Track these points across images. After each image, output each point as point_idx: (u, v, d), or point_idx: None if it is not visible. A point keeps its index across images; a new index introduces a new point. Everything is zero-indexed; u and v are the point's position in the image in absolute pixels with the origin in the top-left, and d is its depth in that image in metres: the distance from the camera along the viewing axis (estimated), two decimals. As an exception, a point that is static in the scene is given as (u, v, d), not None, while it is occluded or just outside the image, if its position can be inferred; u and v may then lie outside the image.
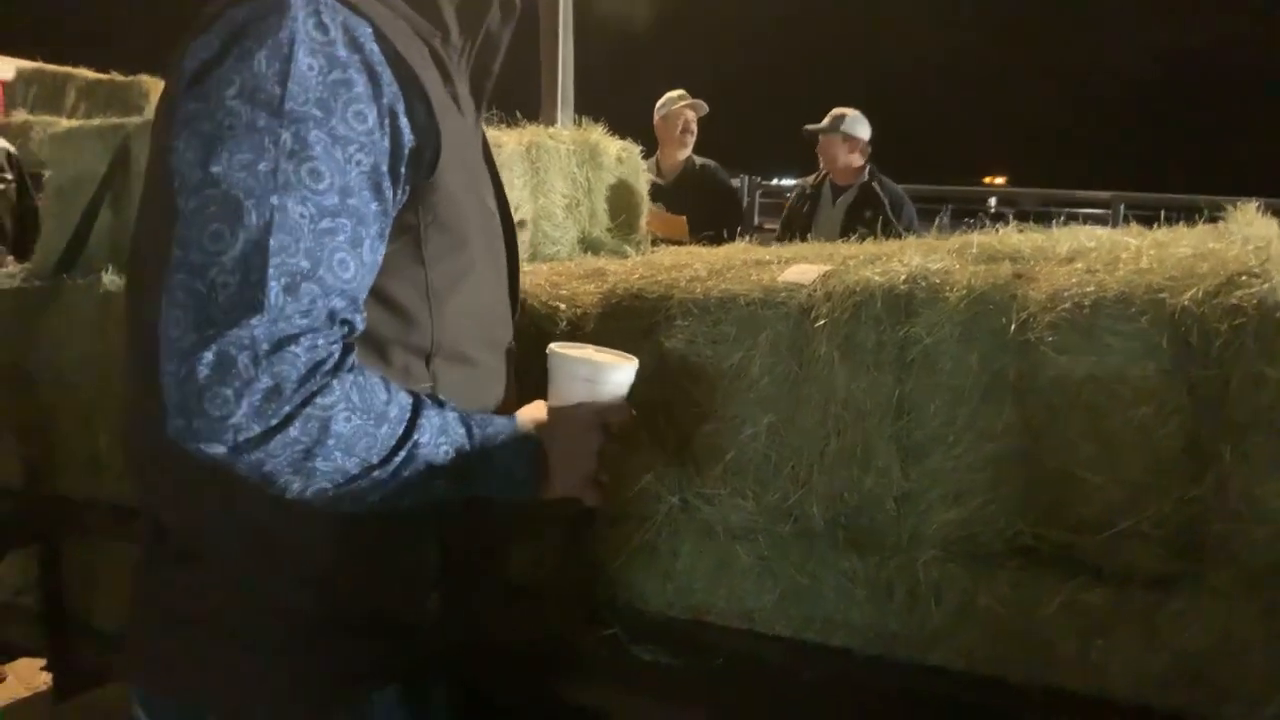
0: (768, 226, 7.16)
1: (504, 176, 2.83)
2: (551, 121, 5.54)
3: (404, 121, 1.05)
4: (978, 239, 1.73)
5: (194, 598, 1.13)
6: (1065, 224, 1.86)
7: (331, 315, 0.99)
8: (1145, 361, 1.33)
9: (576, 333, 1.74)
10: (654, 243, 3.38)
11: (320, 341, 0.97)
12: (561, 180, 3.10)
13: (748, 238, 2.51)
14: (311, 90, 0.98)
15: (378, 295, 1.07)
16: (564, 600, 1.72)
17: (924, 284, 1.50)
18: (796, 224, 4.63)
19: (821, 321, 1.53)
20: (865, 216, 4.43)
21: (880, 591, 1.53)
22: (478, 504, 1.17)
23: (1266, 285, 1.26)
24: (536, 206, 3.01)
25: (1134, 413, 1.34)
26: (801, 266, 1.66)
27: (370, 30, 1.04)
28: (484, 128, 1.36)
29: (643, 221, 3.42)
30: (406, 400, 1.05)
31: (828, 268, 1.63)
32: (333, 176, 0.98)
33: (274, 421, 0.95)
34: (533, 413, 1.23)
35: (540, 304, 1.77)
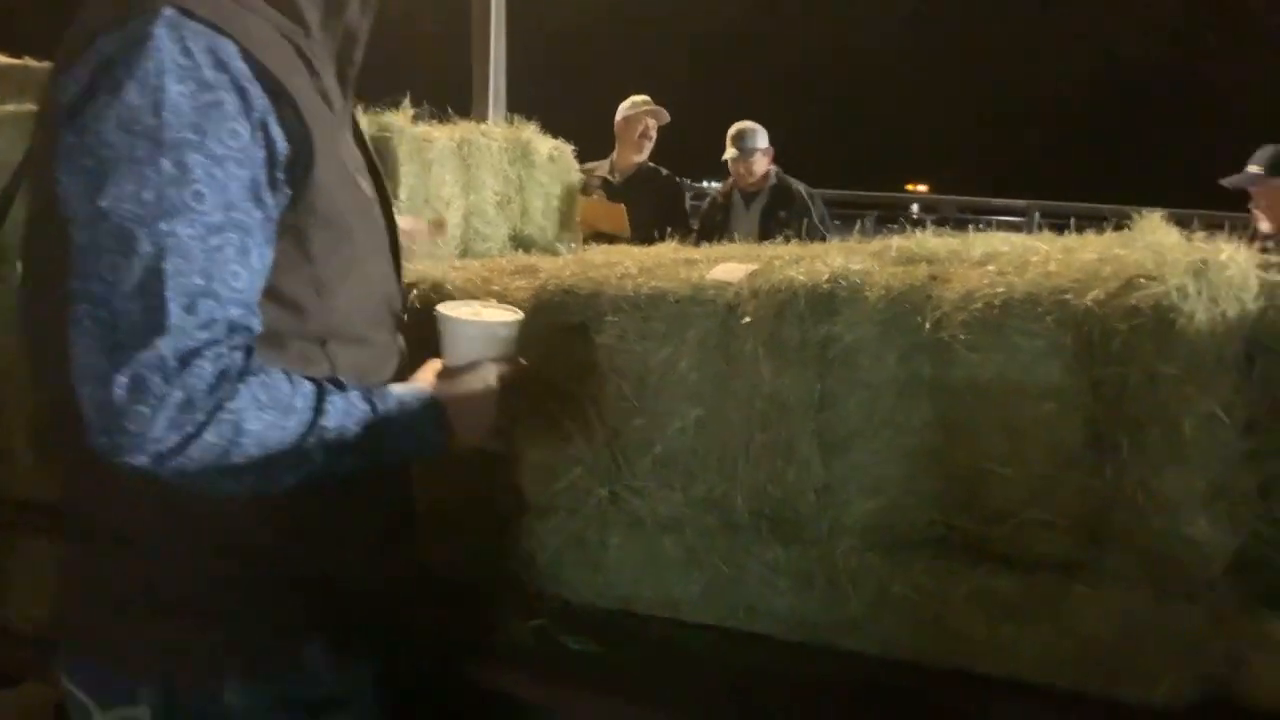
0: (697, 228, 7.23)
1: (435, 173, 2.86)
2: (483, 118, 5.53)
3: (276, 131, 1.11)
4: (896, 242, 1.79)
5: (125, 579, 1.18)
6: (983, 230, 1.94)
7: (231, 325, 1.07)
8: (1050, 359, 1.40)
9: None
10: (587, 241, 3.41)
11: (223, 351, 1.05)
12: (493, 177, 3.12)
13: (677, 238, 2.55)
14: (185, 115, 1.04)
15: (269, 292, 1.14)
16: (494, 592, 1.74)
17: (845, 284, 1.56)
18: (713, 233, 4.72)
19: (747, 319, 1.58)
20: (780, 217, 4.58)
21: (801, 580, 1.58)
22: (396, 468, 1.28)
23: (1162, 288, 1.33)
24: (468, 203, 3.02)
25: (1040, 408, 1.41)
26: (729, 265, 1.71)
27: (235, 48, 1.09)
28: (374, 117, 1.41)
29: (574, 219, 3.45)
30: (310, 389, 1.13)
31: (754, 267, 1.68)
32: (214, 195, 1.05)
33: (189, 430, 1.03)
34: (428, 374, 1.34)
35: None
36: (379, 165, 1.39)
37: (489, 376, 1.33)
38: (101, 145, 1.03)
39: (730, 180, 4.99)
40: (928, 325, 1.48)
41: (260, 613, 1.20)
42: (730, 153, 4.88)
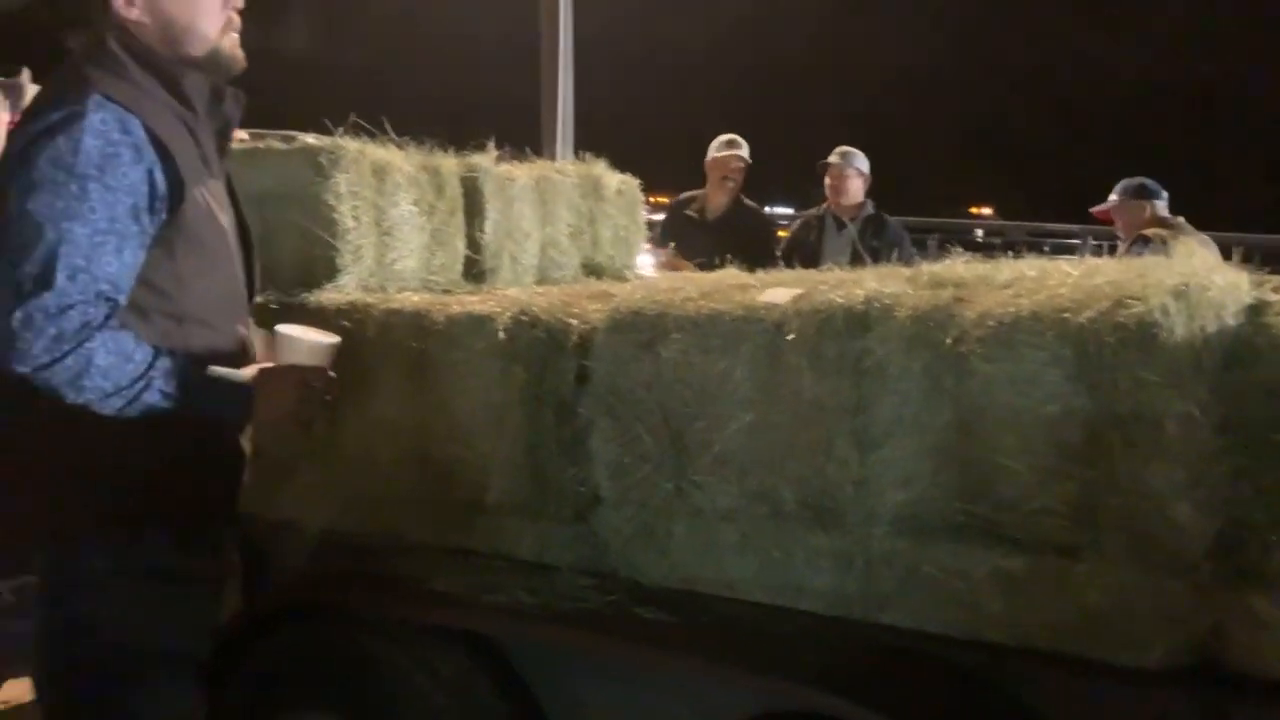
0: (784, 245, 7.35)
1: (516, 208, 3.17)
2: (552, 155, 5.87)
3: (159, 178, 1.67)
4: (929, 269, 2.04)
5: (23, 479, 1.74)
6: (1049, 253, 2.16)
7: (98, 294, 1.60)
8: (1052, 368, 1.63)
9: (585, 344, 2.05)
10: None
11: (90, 310, 1.59)
12: (567, 211, 3.41)
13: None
14: (92, 159, 1.60)
15: (143, 280, 1.67)
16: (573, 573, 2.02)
17: (878, 305, 1.81)
18: (801, 252, 4.87)
19: (792, 335, 1.83)
20: (872, 246, 4.74)
21: (841, 562, 1.82)
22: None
23: (1144, 307, 1.56)
24: (544, 235, 3.32)
25: (1044, 410, 1.64)
26: (777, 289, 1.97)
27: (139, 122, 1.65)
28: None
29: (639, 248, 3.73)
30: (149, 350, 1.65)
31: (800, 290, 1.94)
32: (104, 211, 1.60)
33: (56, 355, 1.57)
34: (255, 366, 1.80)
35: (555, 319, 2.08)
36: (240, 206, 1.92)
37: (292, 377, 1.77)
38: (36, 171, 1.59)
39: (826, 204, 5.13)
40: (949, 340, 1.72)
41: (115, 501, 1.69)
42: (832, 158, 5.02)
